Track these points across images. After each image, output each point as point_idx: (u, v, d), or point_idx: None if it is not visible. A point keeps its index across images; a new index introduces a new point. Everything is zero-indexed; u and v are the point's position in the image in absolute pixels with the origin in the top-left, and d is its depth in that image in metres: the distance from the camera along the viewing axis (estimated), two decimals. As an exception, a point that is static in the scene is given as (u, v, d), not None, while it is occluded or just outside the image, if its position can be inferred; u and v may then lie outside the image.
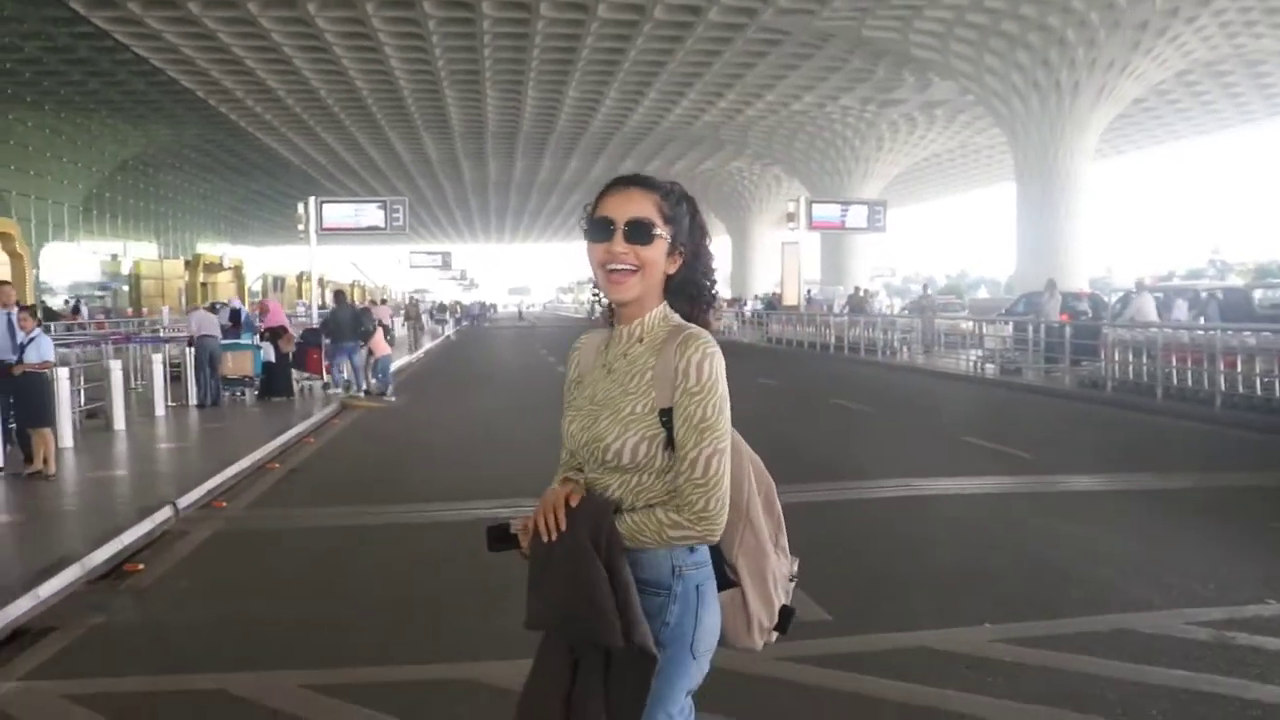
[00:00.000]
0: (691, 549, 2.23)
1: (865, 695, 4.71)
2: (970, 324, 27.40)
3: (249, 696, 4.77)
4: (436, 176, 64.07)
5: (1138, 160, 68.56)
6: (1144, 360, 16.44)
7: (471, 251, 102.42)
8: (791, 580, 2.45)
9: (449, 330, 52.08)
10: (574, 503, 2.17)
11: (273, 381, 16.88)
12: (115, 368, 13.43)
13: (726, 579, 2.34)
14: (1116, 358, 17.03)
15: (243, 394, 16.85)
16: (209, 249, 53.82)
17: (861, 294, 34.15)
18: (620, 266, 2.24)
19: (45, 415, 9.96)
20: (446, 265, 65.13)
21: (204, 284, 46.56)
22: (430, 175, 63.39)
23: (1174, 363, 15.70)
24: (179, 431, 13.66)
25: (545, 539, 2.16)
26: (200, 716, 4.63)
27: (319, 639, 5.67)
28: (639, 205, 2.26)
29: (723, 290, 71.36)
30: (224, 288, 48.73)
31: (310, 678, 4.98)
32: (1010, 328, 21.95)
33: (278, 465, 11.27)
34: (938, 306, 31.17)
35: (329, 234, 28.02)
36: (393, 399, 17.98)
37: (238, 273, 49.02)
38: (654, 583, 2.21)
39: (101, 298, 45.97)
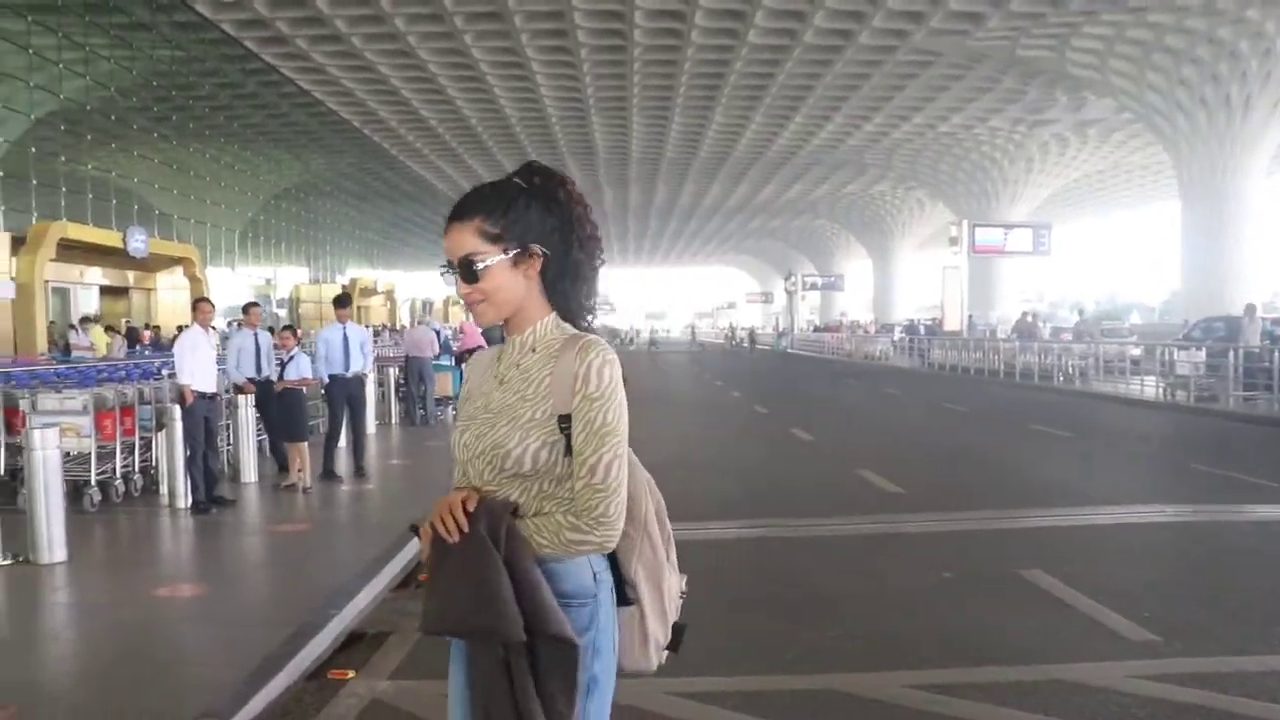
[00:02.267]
0: (604, 555, 2.20)
1: (1237, 714, 4.63)
2: (1139, 349, 26.60)
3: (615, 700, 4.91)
4: (578, 202, 64.99)
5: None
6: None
7: (607, 275, 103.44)
8: (681, 596, 2.38)
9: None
10: (471, 505, 2.11)
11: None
12: (337, 386, 13.94)
13: (623, 597, 2.28)
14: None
15: (442, 414, 17.32)
16: (358, 274, 55.53)
17: (1029, 319, 33.52)
18: (473, 301, 2.22)
19: (302, 430, 10.43)
20: (593, 290, 66.31)
21: (359, 307, 48.15)
22: (572, 201, 64.30)
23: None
24: (399, 448, 14.16)
25: (446, 540, 2.09)
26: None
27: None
28: (459, 241, 2.20)
29: (865, 315, 70.92)
30: (377, 311, 50.34)
31: (670, 685, 5.09)
32: (1203, 353, 21.23)
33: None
34: (1100, 331, 30.34)
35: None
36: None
37: (390, 297, 50.59)
38: (578, 593, 2.15)
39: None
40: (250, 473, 10.89)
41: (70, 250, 28.47)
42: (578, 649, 2.07)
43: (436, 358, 16.74)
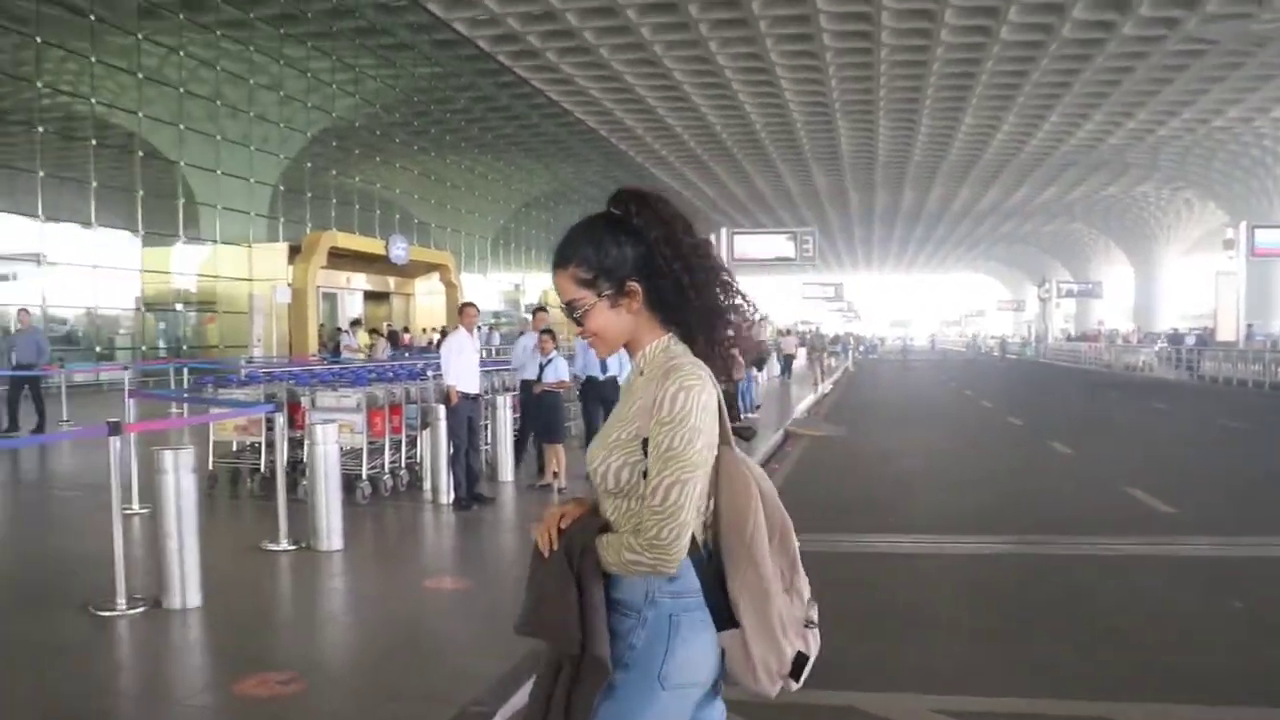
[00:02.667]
0: (671, 577, 2.18)
1: None
2: None
3: (882, 715, 4.76)
4: (823, 207, 64.44)
5: None
6: None
7: (853, 281, 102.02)
8: (808, 625, 2.29)
9: (848, 362, 52.14)
10: (565, 521, 2.27)
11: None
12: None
13: (730, 619, 2.23)
14: None
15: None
16: (603, 280, 56.90)
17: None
18: (586, 337, 2.34)
19: (559, 431, 10.67)
20: (838, 297, 65.38)
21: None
22: (817, 206, 63.83)
23: None
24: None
25: (542, 552, 2.27)
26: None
27: (919, 664, 5.61)
28: (561, 288, 2.30)
29: (1123, 323, 67.34)
30: (620, 317, 51.40)
31: (938, 703, 4.91)
32: None
33: (759, 489, 11.50)
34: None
35: (740, 264, 28.77)
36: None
37: (633, 302, 51.65)
38: (627, 604, 2.21)
39: (508, 323, 49.55)
40: (507, 472, 11.21)
41: (338, 258, 30.39)
42: (609, 672, 2.17)
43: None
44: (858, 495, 11.63)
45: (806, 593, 2.31)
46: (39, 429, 14.82)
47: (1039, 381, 38.92)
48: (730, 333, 2.34)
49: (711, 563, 2.23)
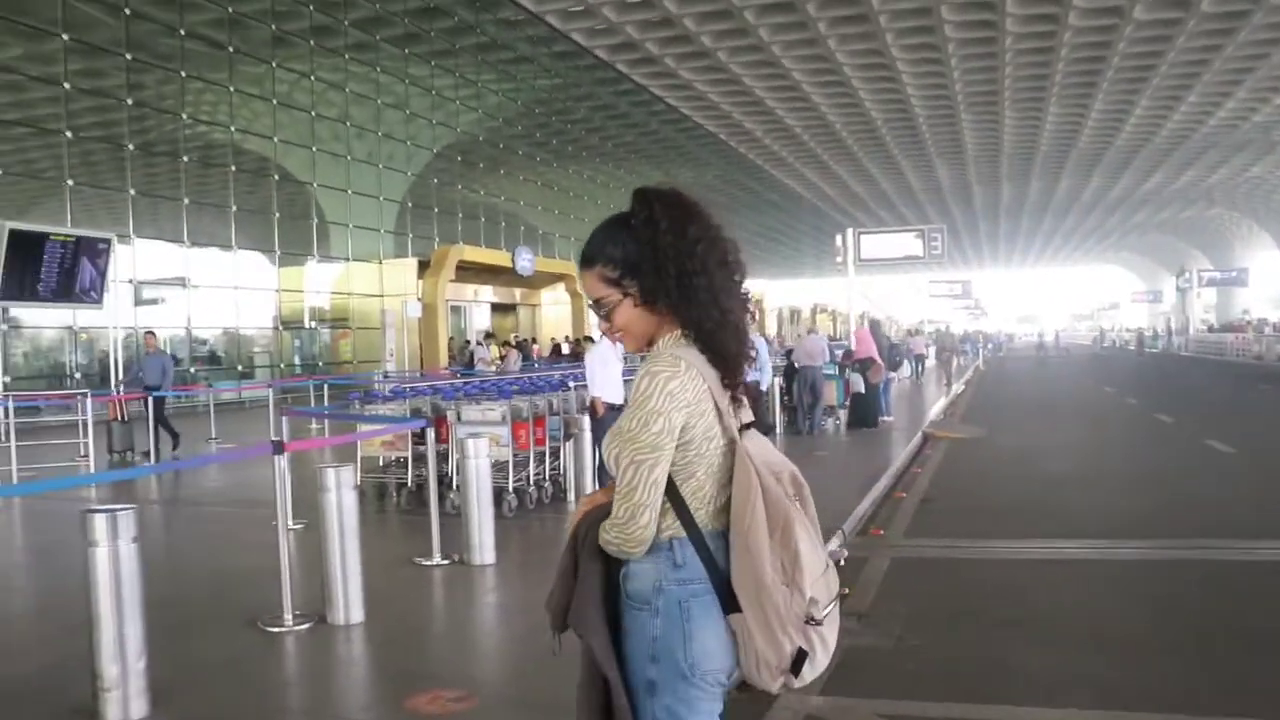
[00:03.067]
0: (675, 565, 2.26)
1: None
2: None
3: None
4: (946, 203, 63.16)
5: None
6: None
7: (978, 277, 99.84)
8: (808, 622, 2.23)
9: (978, 361, 50.98)
10: (589, 506, 2.42)
11: (862, 411, 17.03)
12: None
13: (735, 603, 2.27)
14: None
15: (825, 423, 17.15)
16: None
17: None
18: (614, 332, 2.41)
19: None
20: (966, 294, 64.12)
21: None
22: (939, 202, 62.61)
23: None
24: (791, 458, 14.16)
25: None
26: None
27: (1094, 677, 5.37)
28: (588, 286, 2.40)
29: (1271, 312, 64.33)
30: (743, 320, 51.25)
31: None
32: None
33: (904, 495, 11.28)
34: None
35: (867, 264, 28.33)
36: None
37: (759, 305, 51.42)
38: (640, 596, 2.28)
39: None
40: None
41: (465, 271, 30.92)
42: (592, 650, 2.30)
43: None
44: (1006, 498, 11.30)
45: (809, 590, 2.25)
46: (174, 448, 15.24)
47: (1183, 376, 37.47)
48: (721, 332, 2.33)
49: (723, 550, 2.28)
